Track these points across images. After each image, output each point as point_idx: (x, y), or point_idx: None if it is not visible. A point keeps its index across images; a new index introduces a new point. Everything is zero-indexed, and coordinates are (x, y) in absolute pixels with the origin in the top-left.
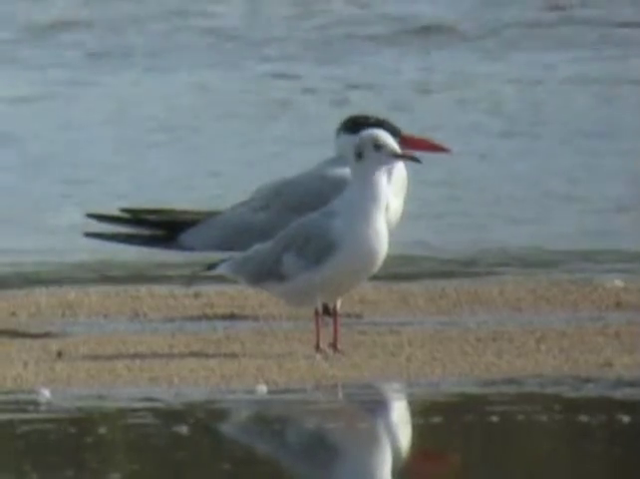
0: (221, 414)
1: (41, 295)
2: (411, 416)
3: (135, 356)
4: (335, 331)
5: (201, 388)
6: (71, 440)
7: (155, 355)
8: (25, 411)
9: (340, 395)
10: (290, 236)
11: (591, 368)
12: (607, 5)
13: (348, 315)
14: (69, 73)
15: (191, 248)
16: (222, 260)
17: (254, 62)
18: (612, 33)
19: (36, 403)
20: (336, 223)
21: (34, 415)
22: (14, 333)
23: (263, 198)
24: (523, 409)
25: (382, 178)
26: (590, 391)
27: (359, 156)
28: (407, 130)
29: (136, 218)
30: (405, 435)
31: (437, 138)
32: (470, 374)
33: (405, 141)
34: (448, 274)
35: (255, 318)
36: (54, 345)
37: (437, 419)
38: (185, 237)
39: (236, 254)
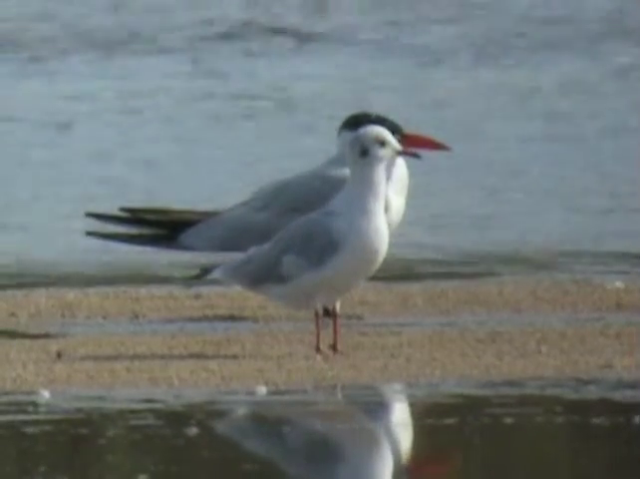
0: (221, 415)
1: (41, 296)
2: (411, 417)
3: (134, 357)
4: (335, 332)
5: (201, 389)
6: (70, 441)
7: (154, 356)
8: (24, 412)
9: (340, 396)
10: (290, 236)
11: (592, 370)
12: None
13: (348, 317)
14: None
15: (192, 248)
16: (217, 265)
17: None
18: None
19: (35, 404)
20: (338, 222)
21: (33, 416)
22: (14, 334)
23: (263, 198)
24: (524, 411)
25: (382, 175)
26: (591, 393)
27: (364, 153)
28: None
29: (135, 217)
30: (405, 436)
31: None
32: (469, 376)
33: (406, 138)
34: (447, 275)
35: (255, 320)
36: (53, 346)
37: (437, 420)
38: (186, 236)
39: (231, 258)
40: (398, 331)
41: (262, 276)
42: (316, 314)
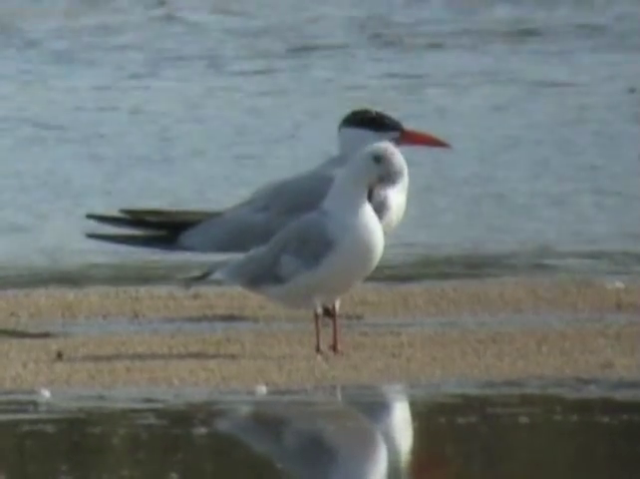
0: (221, 415)
1: (41, 296)
2: (411, 418)
3: (134, 357)
4: (335, 333)
5: (201, 389)
6: (70, 441)
7: (154, 356)
8: (25, 412)
9: (340, 396)
10: (286, 237)
11: (592, 369)
12: None
13: (348, 317)
14: None
15: (192, 249)
16: (219, 265)
17: None
18: None
19: (35, 404)
20: (331, 220)
21: (33, 416)
22: (14, 333)
23: (264, 198)
24: (524, 411)
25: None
26: (591, 392)
27: (377, 159)
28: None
29: (136, 218)
30: (405, 437)
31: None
32: (470, 376)
33: (406, 135)
34: (448, 275)
35: (255, 320)
36: (54, 346)
37: (437, 421)
38: (186, 237)
39: (233, 259)
40: (398, 331)
41: (261, 277)
42: (316, 314)
